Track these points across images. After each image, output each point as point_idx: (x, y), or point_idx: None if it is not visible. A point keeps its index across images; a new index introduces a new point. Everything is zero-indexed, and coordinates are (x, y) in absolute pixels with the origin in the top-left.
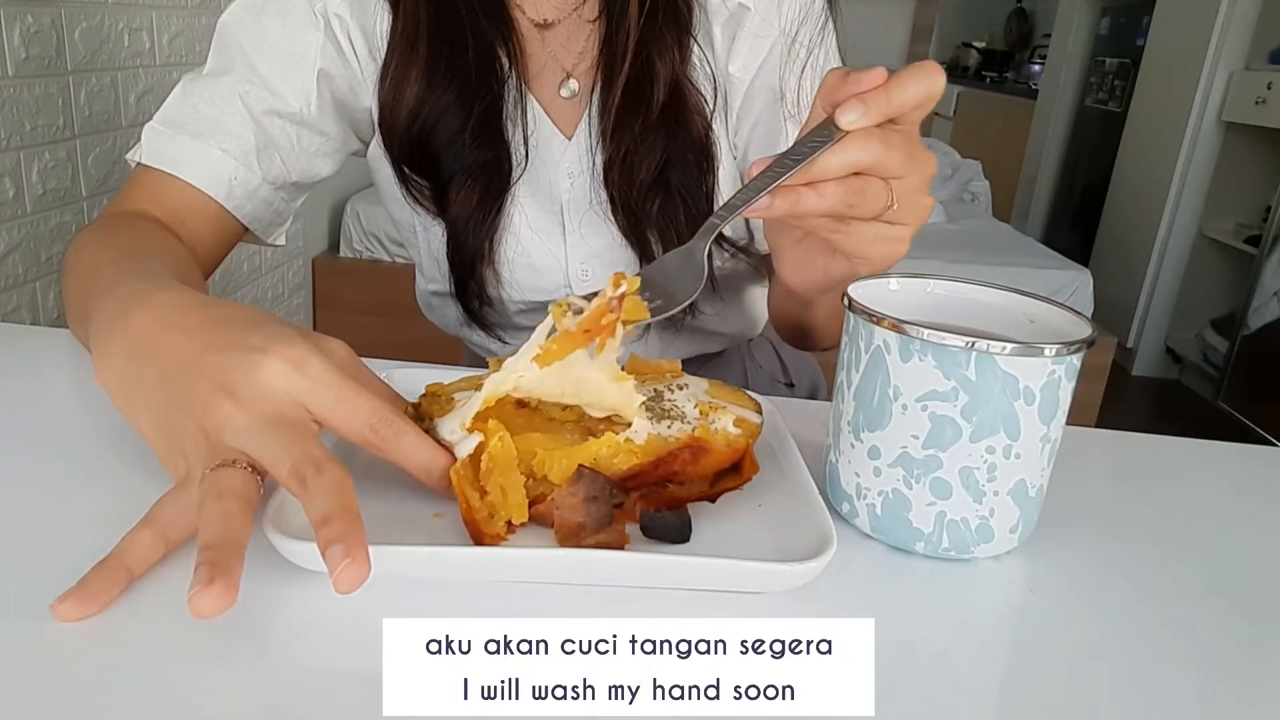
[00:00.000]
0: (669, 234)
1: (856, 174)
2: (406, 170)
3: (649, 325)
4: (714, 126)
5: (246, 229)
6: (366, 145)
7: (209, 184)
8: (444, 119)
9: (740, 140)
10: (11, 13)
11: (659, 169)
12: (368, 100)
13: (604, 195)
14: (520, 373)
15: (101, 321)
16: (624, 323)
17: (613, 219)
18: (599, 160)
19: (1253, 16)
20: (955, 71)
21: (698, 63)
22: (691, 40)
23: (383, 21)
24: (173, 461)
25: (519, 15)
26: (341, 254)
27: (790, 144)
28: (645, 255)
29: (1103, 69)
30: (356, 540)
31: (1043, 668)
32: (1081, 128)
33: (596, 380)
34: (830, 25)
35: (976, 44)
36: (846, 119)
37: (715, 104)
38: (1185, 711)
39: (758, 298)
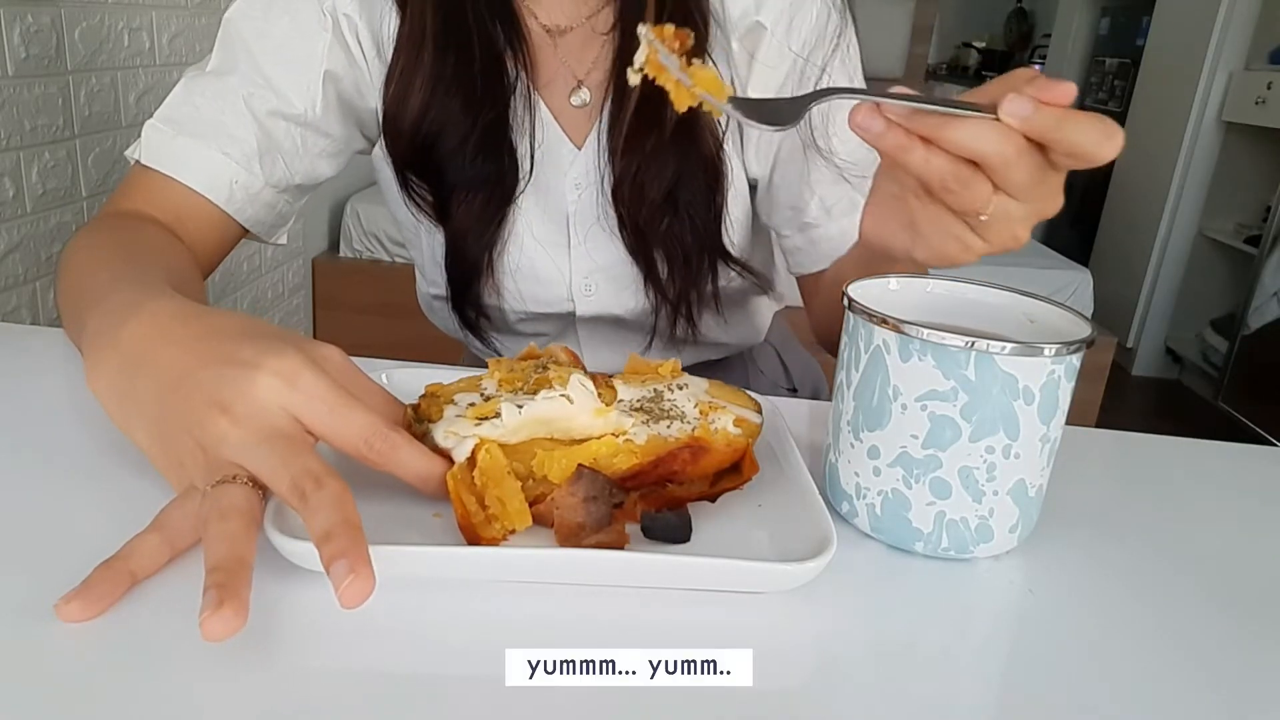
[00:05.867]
0: (674, 252)
1: (973, 163)
2: (409, 176)
3: (652, 336)
4: (725, 145)
5: (247, 231)
6: (373, 144)
7: (209, 188)
8: (448, 128)
9: (753, 163)
10: (11, 13)
11: (669, 188)
12: (374, 101)
13: (612, 211)
14: (504, 426)
15: (94, 331)
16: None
17: (618, 235)
18: (609, 176)
19: (1253, 16)
20: (955, 71)
21: None
22: (707, 58)
23: (391, 22)
24: (173, 473)
25: (530, 20)
26: (341, 254)
27: (809, 168)
28: (650, 273)
29: (1103, 69)
30: (359, 555)
31: (1043, 668)
32: None
33: (580, 420)
34: (846, 45)
35: (976, 44)
36: (1009, 108)
37: (728, 122)
38: (1184, 711)
39: (760, 308)
